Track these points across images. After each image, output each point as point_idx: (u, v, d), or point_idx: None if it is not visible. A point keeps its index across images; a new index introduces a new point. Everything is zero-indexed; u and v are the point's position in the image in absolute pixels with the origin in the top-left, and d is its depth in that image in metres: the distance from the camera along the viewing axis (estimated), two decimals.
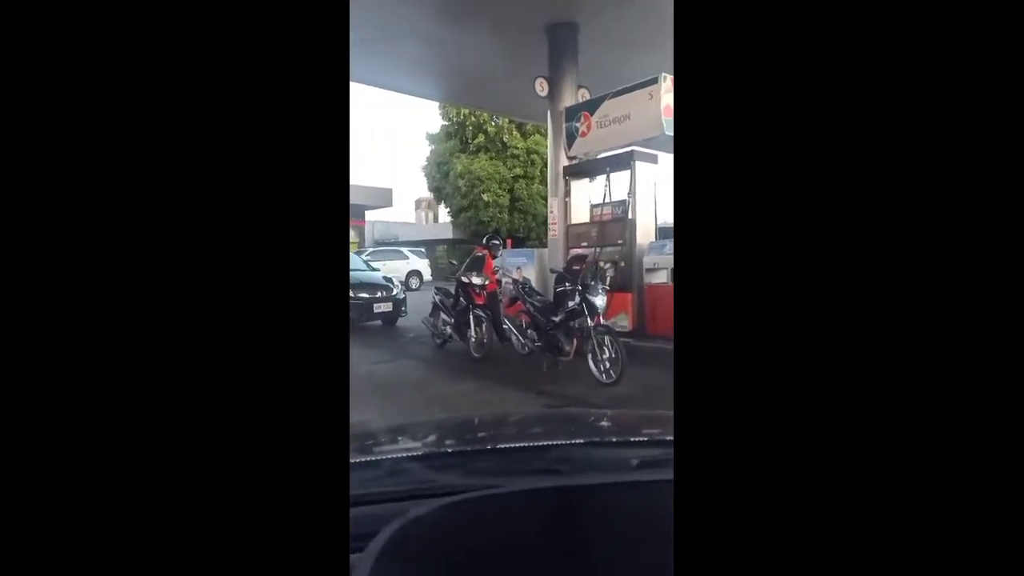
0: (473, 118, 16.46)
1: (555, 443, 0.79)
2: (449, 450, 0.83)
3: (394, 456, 0.77)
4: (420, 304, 7.02)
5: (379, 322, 6.79)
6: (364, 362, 4.79)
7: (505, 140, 16.48)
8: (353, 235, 18.10)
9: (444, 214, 19.33)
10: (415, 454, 0.77)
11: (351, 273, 6.92)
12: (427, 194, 20.21)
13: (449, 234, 18.28)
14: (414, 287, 12.83)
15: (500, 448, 0.82)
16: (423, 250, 16.32)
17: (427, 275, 14.58)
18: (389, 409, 3.27)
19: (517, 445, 0.83)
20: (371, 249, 15.35)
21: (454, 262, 7.09)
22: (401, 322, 6.86)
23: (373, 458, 0.76)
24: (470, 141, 16.72)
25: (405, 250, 15.40)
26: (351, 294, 6.42)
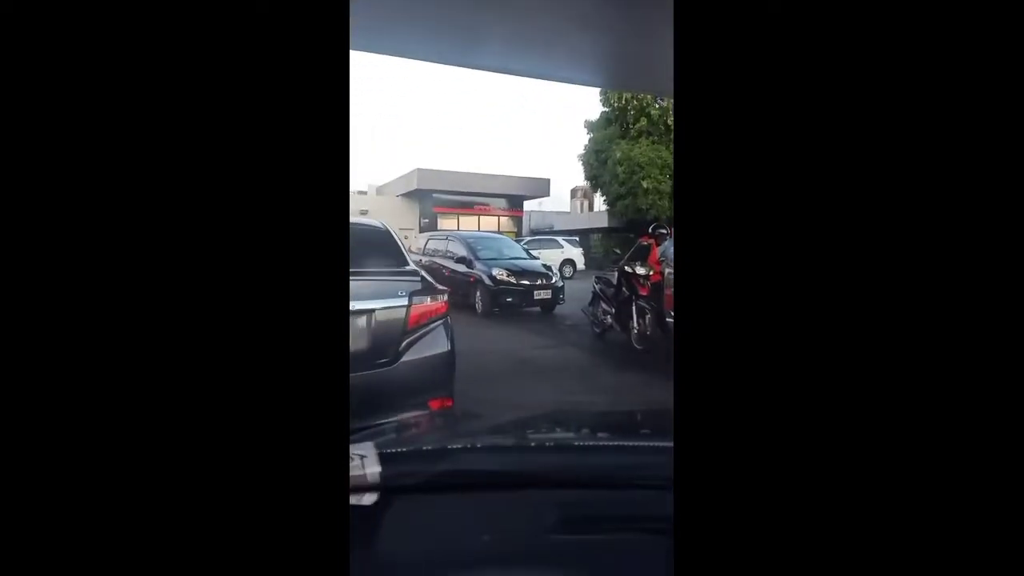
0: (635, 102, 15.89)
1: None
2: None
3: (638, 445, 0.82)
4: (574, 292, 7.05)
5: (537, 308, 6.99)
6: (528, 347, 4.95)
7: (669, 123, 15.65)
8: (511, 224, 18.91)
9: (599, 202, 19.12)
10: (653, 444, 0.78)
11: (513, 261, 7.24)
12: (583, 183, 20.17)
13: (603, 223, 18.06)
14: (567, 275, 12.96)
15: None
16: (577, 239, 16.39)
17: (580, 264, 14.61)
18: (558, 395, 3.33)
19: None
20: (528, 238, 15.88)
21: (617, 251, 6.95)
22: (558, 310, 6.97)
23: (630, 443, 0.82)
24: (631, 126, 16.18)
25: (560, 239, 15.62)
26: (514, 280, 6.72)
